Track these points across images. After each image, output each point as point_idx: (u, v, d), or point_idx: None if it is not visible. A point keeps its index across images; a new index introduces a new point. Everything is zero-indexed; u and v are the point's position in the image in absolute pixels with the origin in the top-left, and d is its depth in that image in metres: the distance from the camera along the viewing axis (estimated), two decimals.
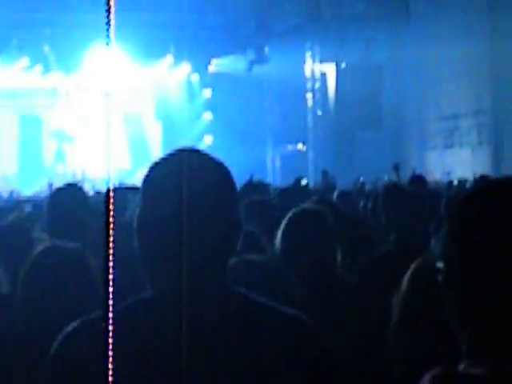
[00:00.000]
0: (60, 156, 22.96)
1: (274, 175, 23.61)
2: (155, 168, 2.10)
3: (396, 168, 13.90)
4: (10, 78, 22.75)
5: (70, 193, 4.59)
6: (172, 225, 1.97)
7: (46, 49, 22.18)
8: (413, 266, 2.85)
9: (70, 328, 2.08)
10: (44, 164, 23.32)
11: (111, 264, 1.59)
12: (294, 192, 8.39)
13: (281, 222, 3.55)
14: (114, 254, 1.69)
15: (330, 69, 24.16)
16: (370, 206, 6.52)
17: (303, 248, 3.40)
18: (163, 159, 2.11)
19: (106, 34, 1.30)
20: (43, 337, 2.43)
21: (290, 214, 3.55)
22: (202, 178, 2.02)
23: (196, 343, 1.91)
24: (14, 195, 14.23)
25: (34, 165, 22.90)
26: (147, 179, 2.10)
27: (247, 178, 9.09)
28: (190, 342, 1.90)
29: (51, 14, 20.17)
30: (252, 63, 23.47)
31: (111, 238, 1.67)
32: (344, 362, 3.14)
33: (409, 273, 2.84)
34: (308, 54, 24.21)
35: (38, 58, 22.35)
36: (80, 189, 4.81)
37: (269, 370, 1.98)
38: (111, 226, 1.51)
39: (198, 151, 2.14)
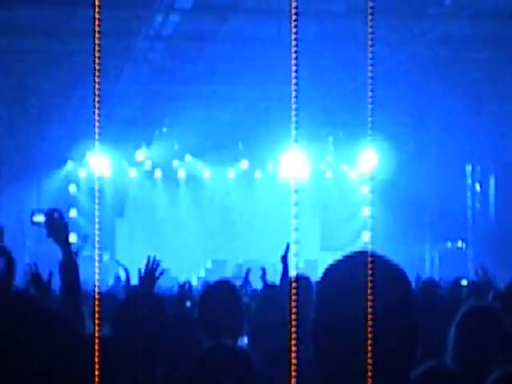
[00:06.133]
0: None
1: (432, 272, 23.24)
2: (331, 270, 2.03)
3: None
4: None
5: (223, 290, 4.46)
6: (349, 330, 1.88)
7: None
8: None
9: None
10: None
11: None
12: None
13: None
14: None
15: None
16: None
17: (478, 348, 3.27)
18: (340, 261, 2.03)
19: None
20: None
21: (461, 313, 3.46)
22: (381, 281, 1.93)
23: None
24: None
25: None
26: (323, 281, 2.02)
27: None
28: None
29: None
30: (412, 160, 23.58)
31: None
32: None
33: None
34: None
35: None
36: (233, 286, 4.67)
37: None
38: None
39: (371, 253, 2.03)
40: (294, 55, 1.31)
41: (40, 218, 3.94)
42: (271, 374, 3.58)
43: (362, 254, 2.01)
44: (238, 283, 8.43)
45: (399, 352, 1.92)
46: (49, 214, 3.90)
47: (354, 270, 1.95)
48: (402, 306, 1.96)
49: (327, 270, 2.02)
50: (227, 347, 3.43)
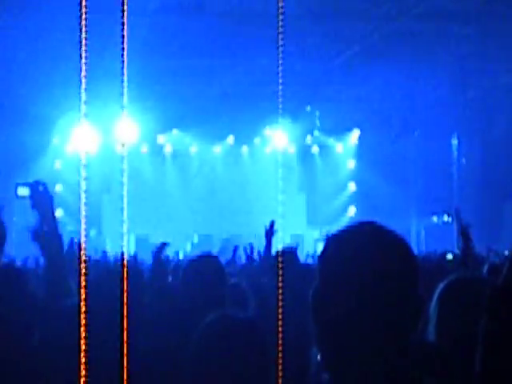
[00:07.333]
0: None
1: (419, 247, 23.33)
2: (334, 242, 1.97)
3: None
4: None
5: (206, 263, 4.44)
6: (352, 303, 1.87)
7: None
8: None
9: None
10: None
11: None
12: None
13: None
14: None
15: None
16: None
17: (460, 320, 3.26)
18: (342, 232, 1.98)
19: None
20: None
21: (445, 283, 3.45)
22: (382, 253, 1.92)
23: None
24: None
25: None
26: (325, 253, 1.97)
27: None
28: None
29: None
30: (397, 136, 23.56)
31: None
32: None
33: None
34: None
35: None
36: (216, 259, 4.61)
37: None
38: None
39: (376, 224, 2.01)
40: (280, 29, 1.32)
41: (24, 191, 3.98)
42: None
43: (365, 225, 1.99)
44: (224, 258, 8.47)
45: (403, 324, 1.90)
46: (33, 187, 3.95)
47: (359, 240, 1.93)
48: (406, 278, 1.93)
49: (329, 241, 1.97)
50: (233, 317, 3.44)
